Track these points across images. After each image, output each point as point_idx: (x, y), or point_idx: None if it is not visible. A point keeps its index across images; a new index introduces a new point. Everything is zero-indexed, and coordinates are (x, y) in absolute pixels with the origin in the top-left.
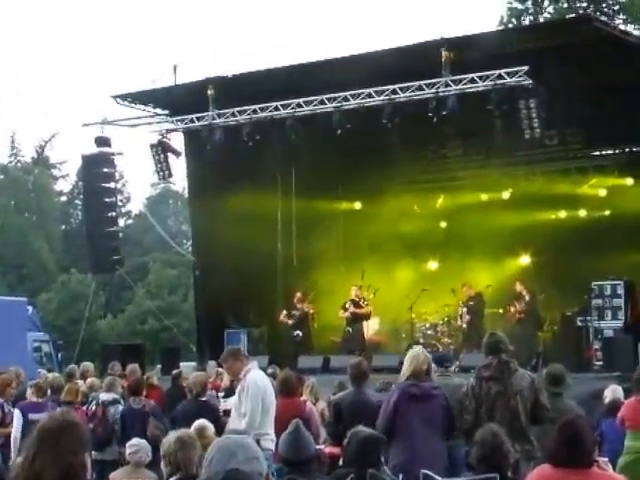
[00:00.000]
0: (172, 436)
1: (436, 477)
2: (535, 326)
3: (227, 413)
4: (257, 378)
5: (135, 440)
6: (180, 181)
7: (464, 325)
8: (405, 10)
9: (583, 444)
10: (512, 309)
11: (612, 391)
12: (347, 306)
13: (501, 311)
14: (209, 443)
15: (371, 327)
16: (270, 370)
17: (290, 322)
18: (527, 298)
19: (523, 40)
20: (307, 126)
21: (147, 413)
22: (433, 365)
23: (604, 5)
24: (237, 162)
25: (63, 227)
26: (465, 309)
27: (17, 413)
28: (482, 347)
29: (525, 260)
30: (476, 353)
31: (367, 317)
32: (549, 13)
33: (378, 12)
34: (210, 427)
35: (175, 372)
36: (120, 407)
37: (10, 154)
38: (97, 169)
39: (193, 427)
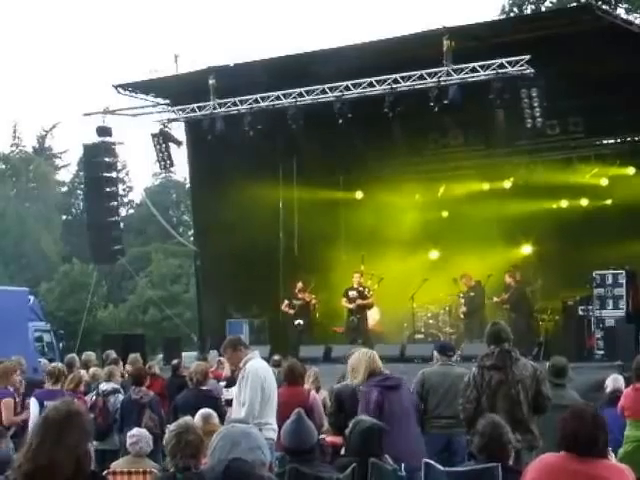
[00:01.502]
0: (171, 426)
1: (437, 466)
2: (525, 316)
3: (229, 403)
4: (257, 367)
5: (136, 430)
6: (182, 171)
7: (464, 315)
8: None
9: (587, 432)
10: (495, 299)
11: (613, 380)
12: (351, 296)
13: (495, 300)
14: (214, 431)
15: (372, 317)
16: (276, 358)
17: (292, 312)
18: (513, 289)
19: (525, 29)
20: (308, 115)
21: (144, 404)
22: (435, 353)
23: None
24: (238, 152)
25: (64, 217)
26: (465, 299)
27: (33, 401)
28: (484, 336)
29: (527, 249)
30: (477, 343)
31: (370, 307)
32: (551, 2)
33: (380, 1)
34: (215, 415)
35: (175, 362)
36: (120, 397)
37: (12, 143)
38: (98, 159)
39: (198, 415)
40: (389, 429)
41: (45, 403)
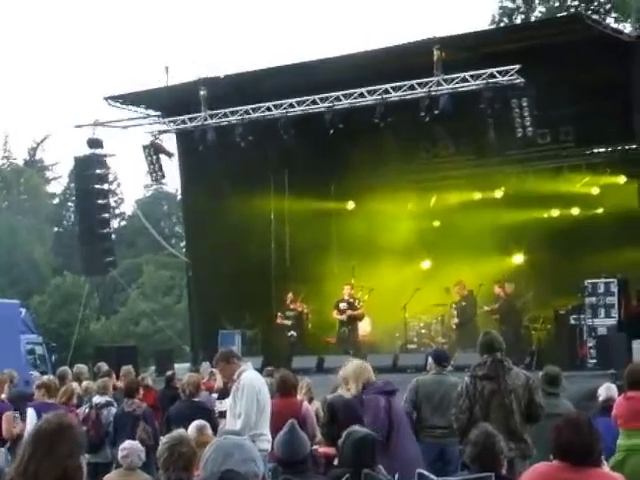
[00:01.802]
0: (164, 438)
1: (431, 476)
2: (514, 327)
3: (223, 414)
4: (252, 378)
5: (127, 443)
6: (173, 182)
7: (455, 325)
8: (397, 9)
9: (582, 442)
10: (485, 308)
11: (606, 389)
12: (342, 307)
13: (485, 309)
14: (208, 443)
15: (363, 327)
16: (269, 368)
17: (288, 323)
18: (502, 300)
19: (515, 39)
20: (299, 126)
21: (138, 417)
22: (430, 361)
23: (595, 4)
24: (230, 163)
25: (56, 229)
26: (457, 309)
27: (31, 412)
28: (477, 346)
29: (518, 259)
30: (470, 352)
31: (361, 318)
32: (540, 12)
33: (370, 12)
34: (208, 427)
35: (169, 373)
36: (113, 409)
37: (2, 156)
38: (89, 171)
39: (191, 427)
40: (396, 435)
41: (44, 415)
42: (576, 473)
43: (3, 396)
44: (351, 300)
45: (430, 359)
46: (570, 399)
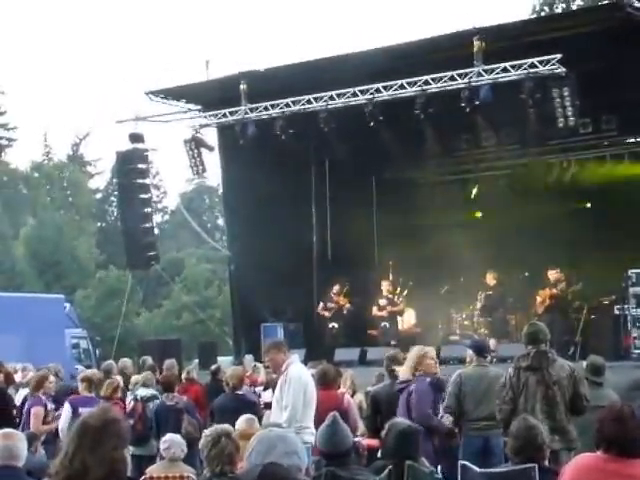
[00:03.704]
0: (207, 432)
1: (474, 467)
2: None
3: (267, 406)
4: (300, 372)
5: (168, 436)
6: (215, 176)
7: (484, 316)
8: (438, 0)
9: (626, 433)
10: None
11: None
12: (382, 304)
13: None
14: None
15: (407, 320)
16: (310, 364)
17: (327, 314)
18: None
19: (555, 28)
20: (340, 118)
21: (181, 410)
22: (470, 352)
23: None
24: (270, 156)
25: (99, 224)
26: (483, 300)
27: (67, 407)
28: (522, 337)
29: (560, 248)
30: (510, 344)
31: (401, 313)
32: (581, 0)
33: (411, 2)
34: (256, 420)
35: (214, 367)
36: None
37: (43, 152)
38: (131, 165)
39: (240, 420)
40: None
41: (80, 409)
42: (621, 464)
43: (43, 391)
44: (390, 296)
45: (470, 351)
46: (615, 389)
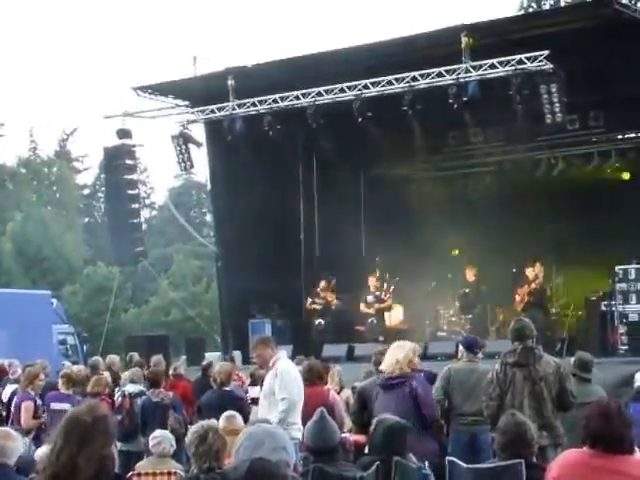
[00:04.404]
0: (194, 428)
1: (461, 463)
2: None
3: (254, 401)
4: (289, 366)
5: (158, 432)
6: (202, 172)
7: (457, 311)
8: None
9: (612, 430)
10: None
11: None
12: (370, 301)
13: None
14: (236, 431)
15: (394, 316)
16: (296, 359)
17: (316, 308)
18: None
19: (543, 25)
20: (328, 115)
21: (167, 406)
22: (461, 348)
23: None
24: (258, 152)
25: (86, 220)
26: (462, 297)
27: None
28: (508, 333)
29: (548, 244)
30: (496, 340)
31: (389, 309)
32: None
33: None
34: (238, 416)
35: (205, 363)
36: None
37: (29, 148)
38: (119, 161)
39: (222, 417)
40: None
41: (52, 405)
42: (607, 459)
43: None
44: (377, 293)
45: (461, 347)
46: (602, 385)
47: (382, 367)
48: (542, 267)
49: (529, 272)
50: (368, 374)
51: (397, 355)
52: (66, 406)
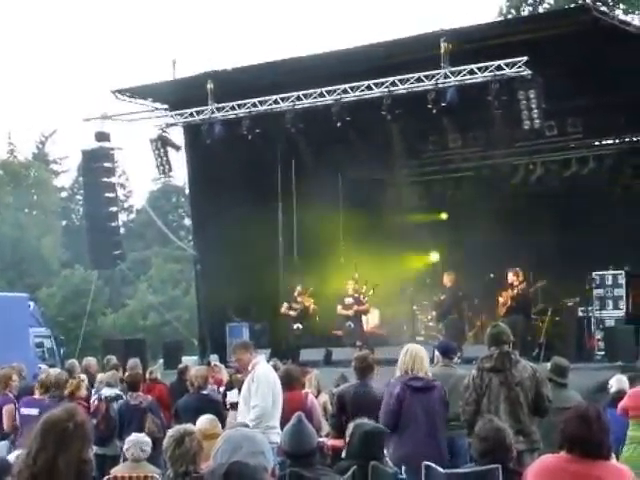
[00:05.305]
0: (170, 432)
1: (438, 468)
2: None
3: (233, 406)
4: (267, 371)
5: (133, 436)
6: (181, 175)
7: (432, 317)
8: (404, 1)
9: (590, 435)
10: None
11: (617, 381)
12: (348, 303)
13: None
14: (215, 435)
15: (372, 320)
16: (271, 363)
17: (292, 313)
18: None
19: (522, 31)
20: (307, 119)
21: (145, 409)
22: (437, 354)
23: None
24: (237, 156)
25: (64, 222)
26: (437, 304)
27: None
28: (485, 338)
29: (525, 250)
30: (474, 345)
31: (366, 312)
32: (548, 3)
33: (377, 4)
34: (217, 420)
35: (181, 366)
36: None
37: (7, 150)
38: (97, 164)
39: (200, 420)
40: (402, 430)
41: (22, 410)
42: (584, 465)
43: (8, 389)
44: (356, 295)
45: (437, 351)
46: (578, 391)
47: (412, 371)
48: (522, 272)
49: (510, 277)
50: (340, 380)
51: (425, 359)
52: (34, 411)
